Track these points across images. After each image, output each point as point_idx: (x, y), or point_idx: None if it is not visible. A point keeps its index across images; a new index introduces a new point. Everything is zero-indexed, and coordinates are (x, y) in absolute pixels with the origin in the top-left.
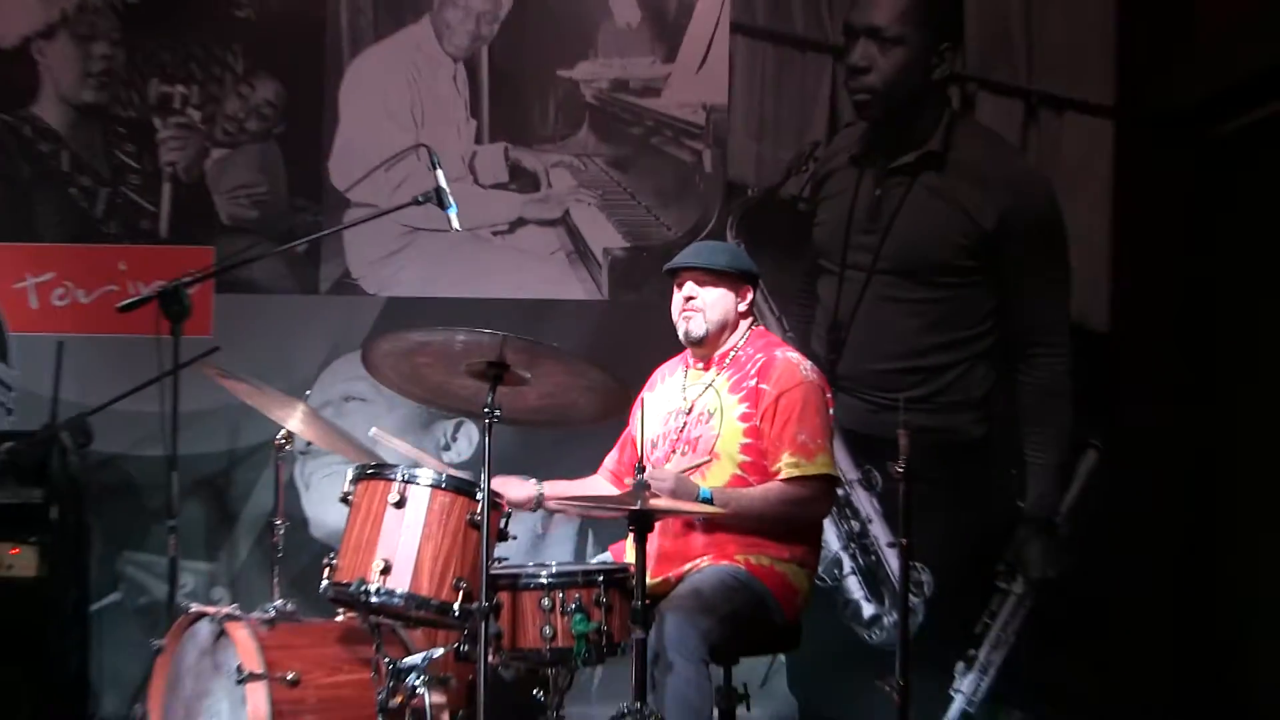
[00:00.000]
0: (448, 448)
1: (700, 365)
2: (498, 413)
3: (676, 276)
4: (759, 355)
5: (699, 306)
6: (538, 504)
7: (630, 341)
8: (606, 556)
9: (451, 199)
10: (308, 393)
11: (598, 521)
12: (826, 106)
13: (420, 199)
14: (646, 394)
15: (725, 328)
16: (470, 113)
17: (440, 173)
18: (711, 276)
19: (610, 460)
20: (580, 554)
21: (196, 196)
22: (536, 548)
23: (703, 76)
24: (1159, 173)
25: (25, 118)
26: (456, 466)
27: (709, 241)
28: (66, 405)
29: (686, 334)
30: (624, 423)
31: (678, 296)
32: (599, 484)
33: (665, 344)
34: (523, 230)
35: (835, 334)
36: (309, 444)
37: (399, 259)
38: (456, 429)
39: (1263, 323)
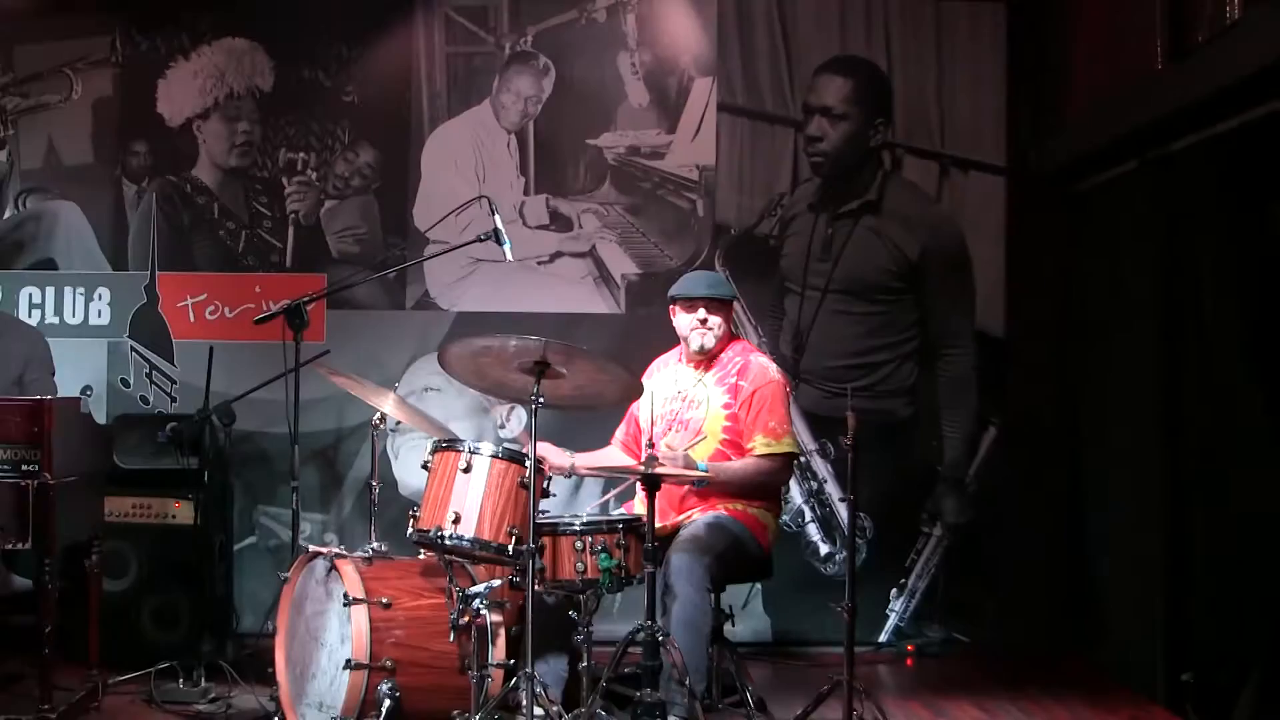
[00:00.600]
0: (503, 426)
1: (693, 365)
2: (541, 399)
3: (689, 302)
4: (738, 359)
5: (710, 326)
6: (571, 470)
7: (641, 345)
8: (622, 512)
9: (506, 237)
10: (396, 385)
11: (616, 481)
12: (790, 166)
13: (483, 237)
14: (645, 380)
15: (722, 340)
16: (520, 171)
17: (498, 217)
18: (718, 304)
19: (620, 433)
20: (605, 508)
21: (313, 236)
22: (570, 501)
23: (697, 144)
24: (1038, 217)
25: (187, 178)
26: (508, 441)
27: (709, 273)
28: (216, 395)
29: (701, 347)
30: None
31: (690, 317)
32: (615, 453)
33: (667, 346)
34: (559, 261)
35: (798, 339)
36: (398, 423)
37: (466, 283)
38: (509, 412)
39: (1114, 330)
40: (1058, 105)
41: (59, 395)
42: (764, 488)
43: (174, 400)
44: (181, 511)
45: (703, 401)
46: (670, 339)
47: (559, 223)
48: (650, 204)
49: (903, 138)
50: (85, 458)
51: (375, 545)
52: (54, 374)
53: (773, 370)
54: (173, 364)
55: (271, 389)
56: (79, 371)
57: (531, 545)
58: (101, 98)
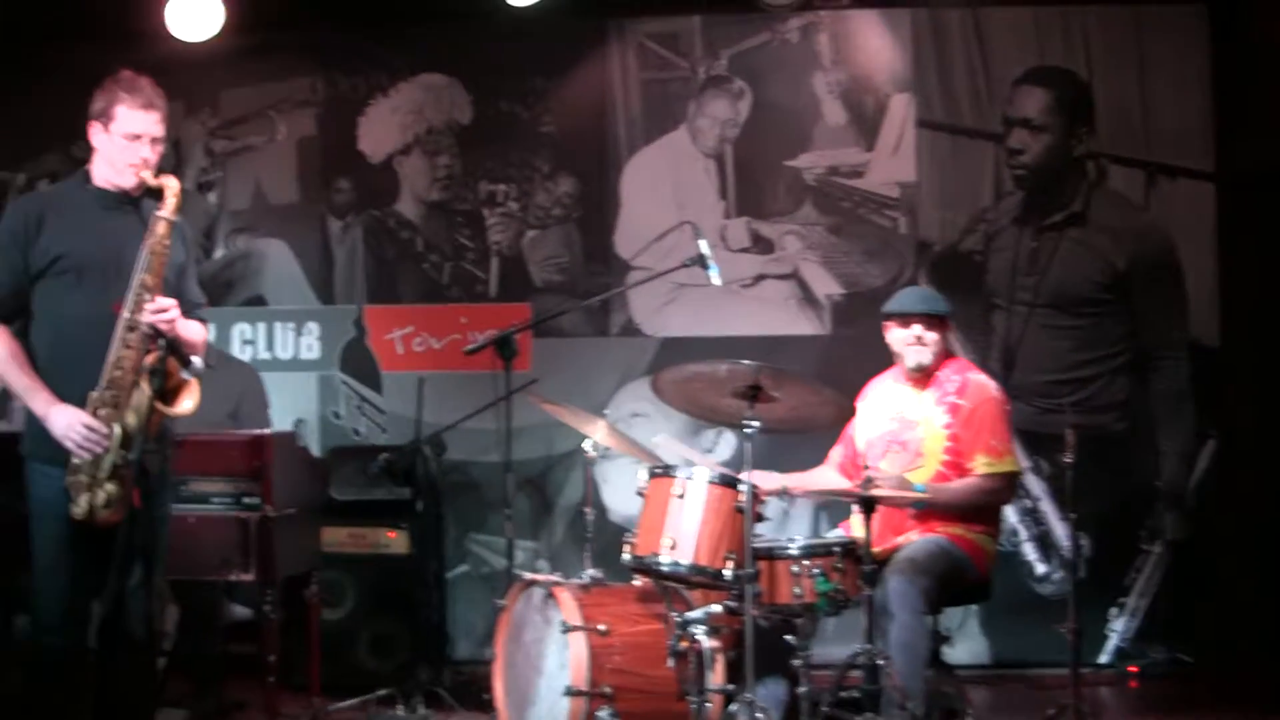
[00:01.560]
0: (710, 450)
1: (911, 384)
2: (755, 424)
3: (903, 318)
4: (956, 377)
5: (926, 343)
6: (784, 493)
7: (848, 366)
8: (839, 532)
9: (713, 262)
10: (606, 411)
11: (830, 504)
12: (992, 180)
13: (689, 262)
14: (860, 403)
15: (938, 357)
16: (719, 195)
17: (703, 242)
18: (934, 320)
19: (836, 454)
20: (816, 529)
21: (516, 266)
22: (783, 524)
23: (896, 161)
24: (1249, 222)
25: (390, 213)
26: (716, 464)
27: (923, 289)
28: (426, 425)
29: (918, 364)
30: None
31: (905, 333)
32: (829, 474)
33: (873, 366)
34: (763, 283)
35: (1007, 355)
36: (607, 449)
37: (670, 308)
38: (718, 436)
39: None
40: (1267, 105)
41: (274, 429)
42: (985, 509)
43: (384, 431)
44: (396, 541)
45: (921, 422)
46: (876, 359)
47: (760, 245)
48: (852, 223)
49: (1106, 147)
50: (303, 490)
51: (591, 572)
52: (268, 408)
53: (992, 387)
54: (382, 396)
55: (480, 418)
56: (291, 405)
57: (748, 570)
58: (305, 137)
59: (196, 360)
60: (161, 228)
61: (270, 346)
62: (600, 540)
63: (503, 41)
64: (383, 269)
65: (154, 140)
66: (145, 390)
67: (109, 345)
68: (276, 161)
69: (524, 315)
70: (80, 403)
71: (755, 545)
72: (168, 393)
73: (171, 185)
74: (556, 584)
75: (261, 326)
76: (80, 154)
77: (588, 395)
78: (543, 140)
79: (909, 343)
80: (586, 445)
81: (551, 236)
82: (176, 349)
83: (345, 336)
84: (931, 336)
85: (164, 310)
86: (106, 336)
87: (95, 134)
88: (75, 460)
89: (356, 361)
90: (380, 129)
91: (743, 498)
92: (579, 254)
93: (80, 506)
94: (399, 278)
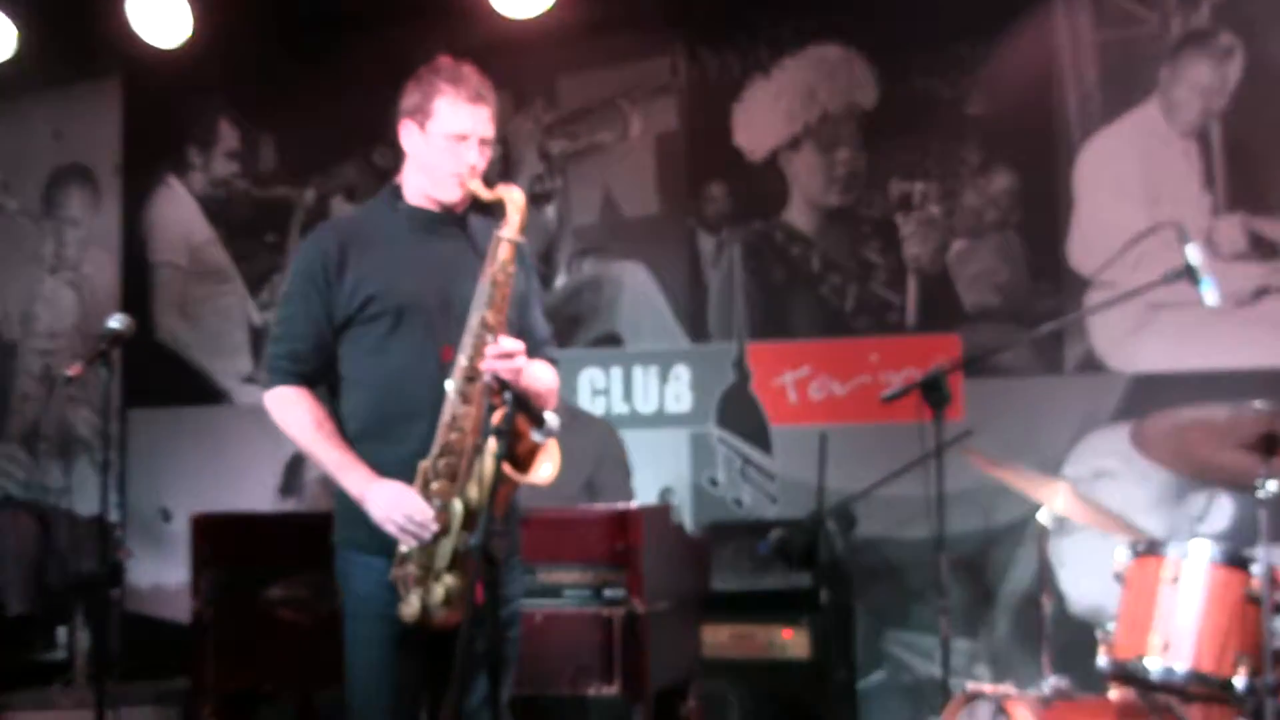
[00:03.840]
0: (1201, 519)
1: None
2: (1272, 484)
3: None
4: None
5: None
6: None
7: None
8: None
9: (1206, 274)
10: (1064, 470)
11: None
12: None
13: (1172, 276)
14: None
15: None
16: (1204, 186)
17: (1192, 248)
18: None
19: None
20: None
21: (940, 286)
22: None
23: None
24: None
25: (777, 224)
26: (1210, 538)
27: None
28: (830, 492)
29: None
30: None
31: None
32: None
33: None
34: (1266, 299)
35: None
36: (1066, 520)
37: (1142, 336)
38: (1209, 501)
39: None
40: None
41: (640, 502)
42: None
43: (775, 501)
44: (792, 642)
45: None
46: None
47: (1261, 250)
48: None
49: None
50: (678, 579)
51: (1052, 680)
52: (630, 475)
53: None
54: (771, 456)
55: (901, 482)
56: (657, 470)
57: (1268, 679)
58: (665, 132)
59: (550, 416)
60: (504, 251)
61: (628, 397)
62: (1060, 638)
63: (916, 2)
64: (769, 295)
65: (483, 141)
66: (491, 455)
67: (441, 402)
68: (630, 164)
69: (952, 350)
70: (407, 475)
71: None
72: (518, 458)
73: (514, 198)
74: (1008, 697)
75: (617, 372)
76: (384, 162)
77: (1038, 450)
78: (970, 125)
79: None
80: (1040, 515)
81: (985, 248)
82: (526, 403)
83: (723, 382)
84: None
85: (510, 354)
86: (437, 391)
87: (408, 136)
88: (403, 549)
89: (738, 414)
90: (761, 119)
91: (1258, 582)
92: (1021, 269)
93: (412, 606)
94: (790, 306)
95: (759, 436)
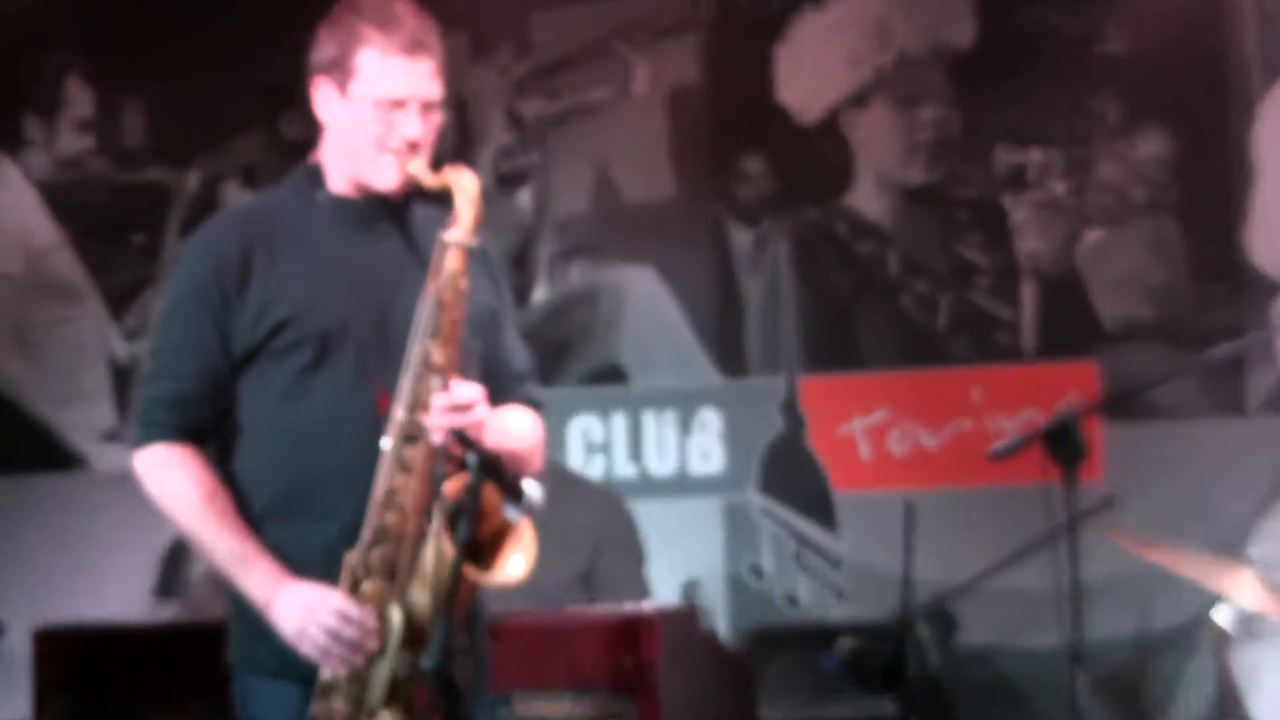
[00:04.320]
0: None
1: None
2: None
3: None
4: None
5: None
6: None
7: None
8: None
9: None
10: (1248, 550)
11: None
12: None
13: None
14: None
15: None
16: None
17: None
18: None
19: None
20: None
21: (1066, 292)
22: None
23: None
24: None
25: (838, 211)
26: None
27: None
28: (920, 584)
29: None
30: None
31: None
32: None
33: None
34: None
35: None
36: (1250, 620)
37: None
38: None
39: None
40: None
41: (656, 601)
42: None
43: (842, 597)
44: None
45: None
46: None
47: None
48: None
49: None
50: (710, 708)
51: None
52: (642, 563)
53: None
54: (836, 534)
55: (1019, 570)
56: (679, 556)
57: None
58: (681, 87)
59: (531, 486)
60: (453, 260)
61: (637, 455)
62: None
63: None
64: (830, 310)
65: (426, 106)
66: (442, 545)
67: (373, 469)
68: (633, 131)
69: (1088, 385)
70: (329, 572)
71: None
72: (481, 546)
73: (464, 185)
74: None
75: (620, 420)
76: (295, 133)
77: (1212, 523)
78: (1106, 70)
79: None
80: (1217, 614)
81: (1130, 239)
82: (493, 467)
83: (769, 432)
84: None
85: (464, 405)
86: (371, 453)
87: (325, 100)
88: (326, 675)
89: (790, 475)
90: (814, 64)
91: None
92: (1181, 269)
93: None
94: (859, 324)
95: (819, 507)
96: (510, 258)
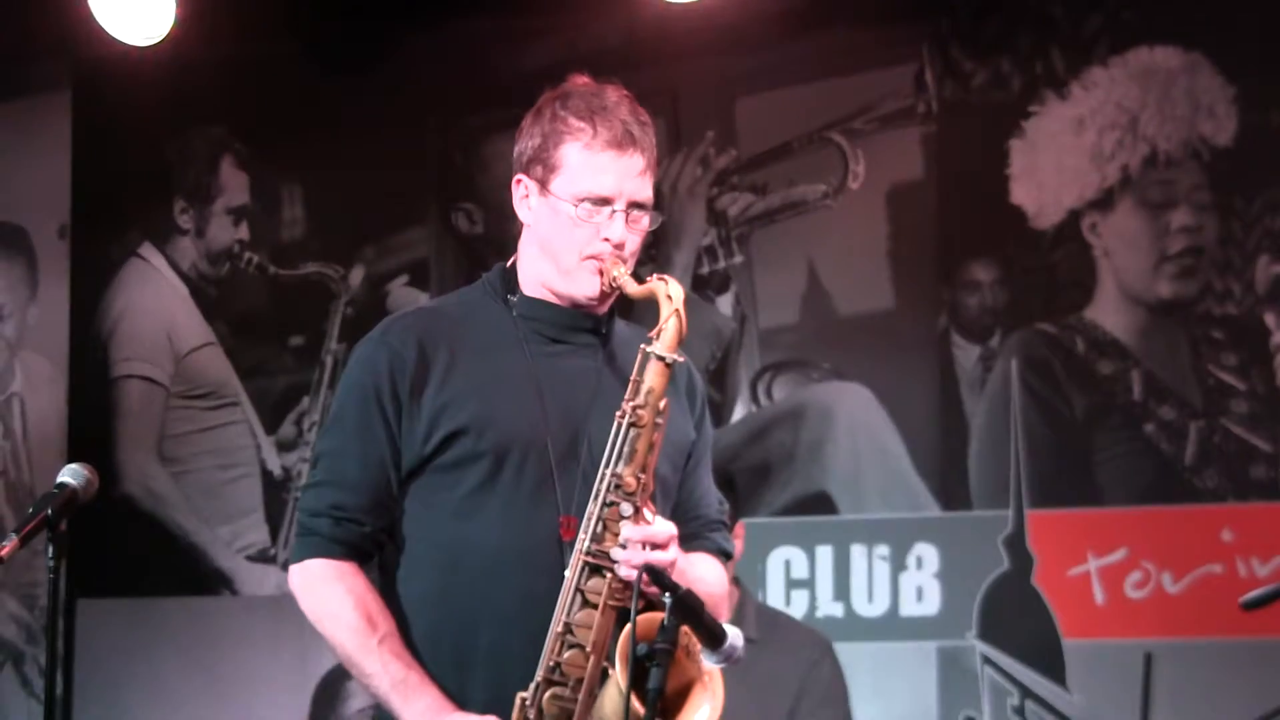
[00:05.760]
0: None
1: None
2: None
3: None
4: None
5: None
6: None
7: None
8: None
9: None
10: None
11: None
12: None
13: None
14: None
15: None
16: None
17: None
18: None
19: None
20: None
21: None
22: None
23: None
24: None
25: (1076, 326)
26: None
27: None
28: None
29: None
30: None
31: None
32: None
33: None
34: None
35: None
36: None
37: None
38: None
39: None
40: None
41: None
42: None
43: None
44: None
45: None
46: None
47: None
48: None
49: None
50: None
51: None
52: (850, 716)
53: None
54: (1065, 687)
55: None
56: (889, 705)
57: None
58: (904, 184)
59: (732, 631)
60: (654, 375)
61: (844, 592)
62: None
63: None
64: (1064, 437)
65: (634, 206)
66: (622, 688)
67: (551, 602)
68: (849, 233)
69: None
70: (498, 711)
71: None
72: (668, 698)
73: (672, 293)
74: None
75: (826, 553)
76: (469, 228)
77: None
78: None
79: None
80: None
81: None
82: (689, 610)
83: (990, 571)
84: None
85: (659, 540)
86: (551, 582)
87: (524, 197)
88: None
89: (1014, 620)
90: (1053, 162)
91: None
92: None
93: None
94: (1095, 452)
95: (1046, 656)
96: (708, 370)
